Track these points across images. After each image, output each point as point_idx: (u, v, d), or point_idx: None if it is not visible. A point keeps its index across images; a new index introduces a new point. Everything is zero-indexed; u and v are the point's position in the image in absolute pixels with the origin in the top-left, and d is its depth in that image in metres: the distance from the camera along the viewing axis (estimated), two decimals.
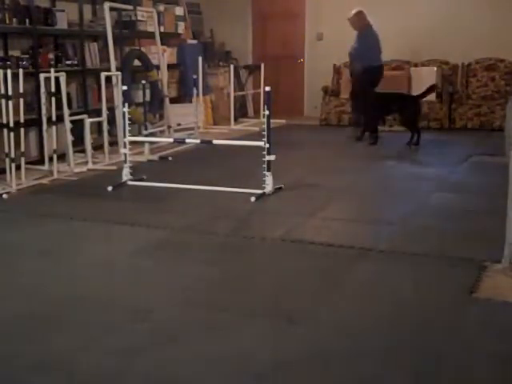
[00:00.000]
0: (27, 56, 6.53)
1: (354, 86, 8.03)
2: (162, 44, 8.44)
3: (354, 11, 7.99)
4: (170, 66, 8.76)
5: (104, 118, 6.78)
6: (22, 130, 5.63)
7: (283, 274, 3.48)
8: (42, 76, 6.05)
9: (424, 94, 7.74)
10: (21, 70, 5.62)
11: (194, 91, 8.32)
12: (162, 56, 8.34)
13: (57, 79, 6.09)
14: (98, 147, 6.84)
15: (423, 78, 9.15)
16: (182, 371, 2.45)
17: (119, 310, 3.01)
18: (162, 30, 8.64)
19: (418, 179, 5.86)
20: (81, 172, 6.20)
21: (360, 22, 7.97)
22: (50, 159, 6.03)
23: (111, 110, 7.11)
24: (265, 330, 2.78)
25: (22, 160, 5.63)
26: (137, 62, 7.90)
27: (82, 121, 6.56)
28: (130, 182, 5.63)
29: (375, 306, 3.05)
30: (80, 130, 6.55)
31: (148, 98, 7.54)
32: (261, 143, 5.17)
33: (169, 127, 8.17)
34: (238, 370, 2.45)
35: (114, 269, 3.58)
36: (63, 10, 7.05)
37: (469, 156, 6.90)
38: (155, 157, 6.87)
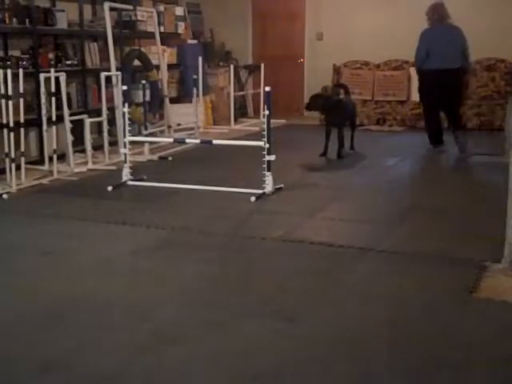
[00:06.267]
0: (27, 56, 6.53)
1: None
2: (162, 44, 8.44)
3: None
4: (170, 66, 8.76)
5: (104, 117, 6.78)
6: (22, 130, 5.63)
7: (283, 274, 3.48)
8: (42, 76, 6.05)
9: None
10: (21, 70, 5.62)
11: (194, 91, 8.32)
12: (162, 56, 8.34)
13: (57, 79, 6.09)
14: (97, 147, 6.84)
15: None
16: (182, 371, 2.45)
17: (119, 310, 3.01)
18: (162, 30, 8.64)
19: (418, 179, 5.86)
20: (81, 172, 6.20)
21: (428, 18, 7.14)
22: (50, 159, 6.03)
23: (111, 109, 7.11)
24: (264, 330, 2.78)
25: (22, 160, 5.63)
26: (137, 62, 7.90)
27: (81, 121, 6.56)
28: (130, 182, 5.63)
29: (375, 305, 3.05)
30: (80, 130, 6.55)
31: (148, 97, 7.54)
32: (261, 143, 5.17)
33: (169, 127, 8.17)
34: (238, 369, 2.45)
35: (114, 269, 3.58)
36: (63, 10, 7.05)
37: (469, 156, 6.90)
38: (155, 157, 6.88)
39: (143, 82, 7.20)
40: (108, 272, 3.53)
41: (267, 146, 5.13)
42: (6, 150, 5.48)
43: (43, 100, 6.11)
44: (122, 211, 4.84)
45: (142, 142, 6.83)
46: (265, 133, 5.14)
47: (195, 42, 9.93)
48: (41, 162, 6.33)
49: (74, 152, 6.37)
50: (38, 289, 3.28)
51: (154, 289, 3.28)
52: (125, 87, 5.92)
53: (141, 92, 7.30)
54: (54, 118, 6.01)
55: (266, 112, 5.13)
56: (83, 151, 6.64)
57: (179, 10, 9.48)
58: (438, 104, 7.15)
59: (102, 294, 3.21)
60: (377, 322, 2.88)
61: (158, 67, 8.22)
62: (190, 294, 3.20)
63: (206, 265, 3.63)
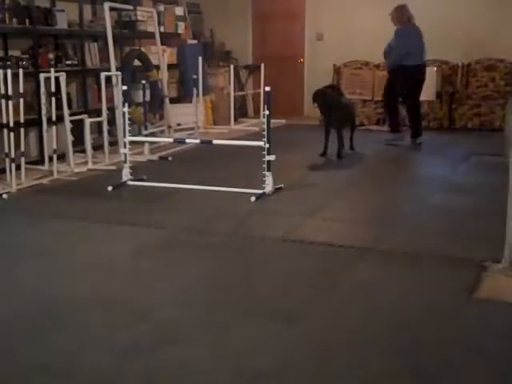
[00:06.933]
0: (27, 56, 6.53)
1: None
2: (162, 44, 8.44)
3: (395, 6, 7.70)
4: (170, 66, 8.76)
5: (104, 117, 6.78)
6: (22, 130, 5.63)
7: (283, 274, 3.48)
8: (41, 76, 6.05)
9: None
10: (21, 70, 5.62)
11: (194, 91, 8.32)
12: (162, 56, 8.34)
13: (57, 79, 6.09)
14: (97, 147, 6.84)
15: None
16: (182, 371, 2.45)
17: (119, 310, 3.01)
18: (162, 30, 8.64)
19: (418, 179, 5.86)
20: (81, 172, 6.20)
21: (397, 18, 7.62)
22: (50, 159, 6.03)
23: (111, 109, 7.11)
24: (265, 330, 2.78)
25: (22, 160, 5.63)
26: (137, 62, 7.90)
27: (81, 121, 6.56)
28: (130, 182, 5.63)
29: (375, 306, 3.05)
30: (80, 130, 6.55)
31: (148, 97, 7.54)
32: (261, 143, 5.17)
33: (169, 127, 8.17)
34: (238, 369, 2.45)
35: (114, 269, 3.58)
36: (63, 10, 7.05)
37: (469, 156, 6.91)
38: (155, 157, 6.87)
39: (143, 82, 7.20)
40: (108, 272, 3.53)
41: (267, 146, 5.14)
42: (6, 150, 5.48)
43: (43, 100, 6.11)
44: (122, 211, 4.84)
45: (142, 142, 6.83)
46: (265, 133, 5.14)
47: (195, 42, 9.93)
48: (41, 162, 6.33)
49: (74, 152, 6.36)
50: (38, 289, 3.28)
51: (154, 289, 3.28)
52: (125, 87, 5.92)
53: (141, 92, 7.29)
54: (54, 118, 6.01)
55: (266, 112, 5.13)
56: (83, 151, 6.64)
57: (179, 10, 9.47)
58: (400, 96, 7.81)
59: (102, 294, 3.21)
60: (377, 321, 2.88)
61: (158, 67, 8.22)
62: (190, 294, 3.20)
63: (205, 265, 3.64)
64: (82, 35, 7.36)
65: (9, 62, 6.23)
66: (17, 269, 3.59)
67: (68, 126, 6.29)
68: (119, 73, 7.12)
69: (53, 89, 6.02)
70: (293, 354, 2.58)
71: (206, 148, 6.97)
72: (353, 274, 3.49)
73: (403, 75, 7.53)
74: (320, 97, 6.90)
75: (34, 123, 6.35)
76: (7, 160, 5.51)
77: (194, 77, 8.43)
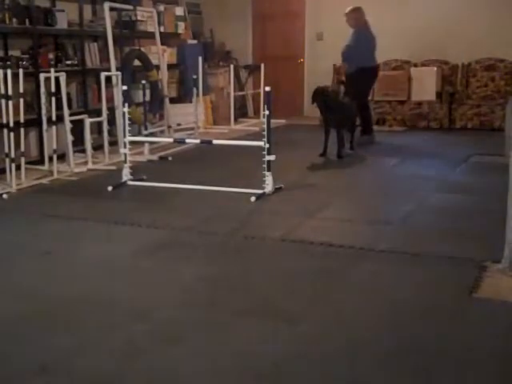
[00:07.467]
0: (27, 56, 6.54)
1: (346, 88, 7.93)
2: (162, 44, 8.44)
3: (350, 7, 7.80)
4: (170, 66, 8.77)
5: (104, 117, 6.78)
6: (22, 130, 5.63)
7: (283, 274, 3.48)
8: (42, 76, 6.06)
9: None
10: (21, 70, 5.63)
11: (194, 91, 8.32)
12: (162, 56, 8.34)
13: (57, 79, 6.09)
14: (97, 147, 6.84)
15: (423, 78, 9.16)
16: (182, 371, 2.45)
17: (119, 310, 3.01)
18: (162, 30, 8.64)
19: (418, 179, 5.86)
20: (81, 172, 6.20)
21: (356, 20, 7.75)
22: (50, 159, 6.03)
23: (111, 109, 7.11)
24: (265, 330, 2.78)
25: (22, 160, 5.64)
26: (137, 62, 7.91)
27: (81, 121, 6.56)
28: (130, 182, 5.63)
29: (375, 306, 3.05)
30: (80, 130, 6.55)
31: (148, 97, 7.54)
32: (261, 143, 5.17)
33: (169, 127, 8.17)
34: (238, 369, 2.45)
35: (114, 269, 3.58)
36: (63, 10, 7.05)
37: (469, 156, 6.90)
38: (155, 157, 6.87)
39: (143, 82, 7.20)
40: (108, 272, 3.53)
41: (267, 146, 5.14)
42: (6, 150, 5.48)
43: (43, 100, 6.11)
44: (122, 211, 4.84)
45: (142, 142, 6.83)
46: (265, 133, 5.14)
47: (195, 42, 9.93)
48: (41, 162, 6.33)
49: (74, 152, 6.36)
50: (38, 289, 3.28)
51: (154, 289, 3.28)
52: (125, 87, 5.92)
53: (141, 92, 7.30)
54: (54, 118, 6.01)
55: (266, 112, 5.13)
56: (83, 151, 6.64)
57: (179, 10, 9.47)
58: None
59: (102, 293, 3.21)
60: (377, 321, 2.88)
61: (158, 67, 8.22)
62: (190, 294, 3.20)
63: (205, 265, 3.64)
64: (82, 35, 7.36)
65: (9, 62, 6.24)
66: (17, 269, 3.60)
67: (68, 125, 6.29)
68: (119, 73, 7.12)
69: (53, 89, 6.02)
70: (293, 353, 2.58)
71: (206, 148, 6.97)
72: (353, 274, 3.48)
73: (367, 76, 7.71)
74: (319, 96, 6.90)
75: (34, 123, 6.35)
76: (7, 160, 5.51)
77: (194, 77, 8.43)
